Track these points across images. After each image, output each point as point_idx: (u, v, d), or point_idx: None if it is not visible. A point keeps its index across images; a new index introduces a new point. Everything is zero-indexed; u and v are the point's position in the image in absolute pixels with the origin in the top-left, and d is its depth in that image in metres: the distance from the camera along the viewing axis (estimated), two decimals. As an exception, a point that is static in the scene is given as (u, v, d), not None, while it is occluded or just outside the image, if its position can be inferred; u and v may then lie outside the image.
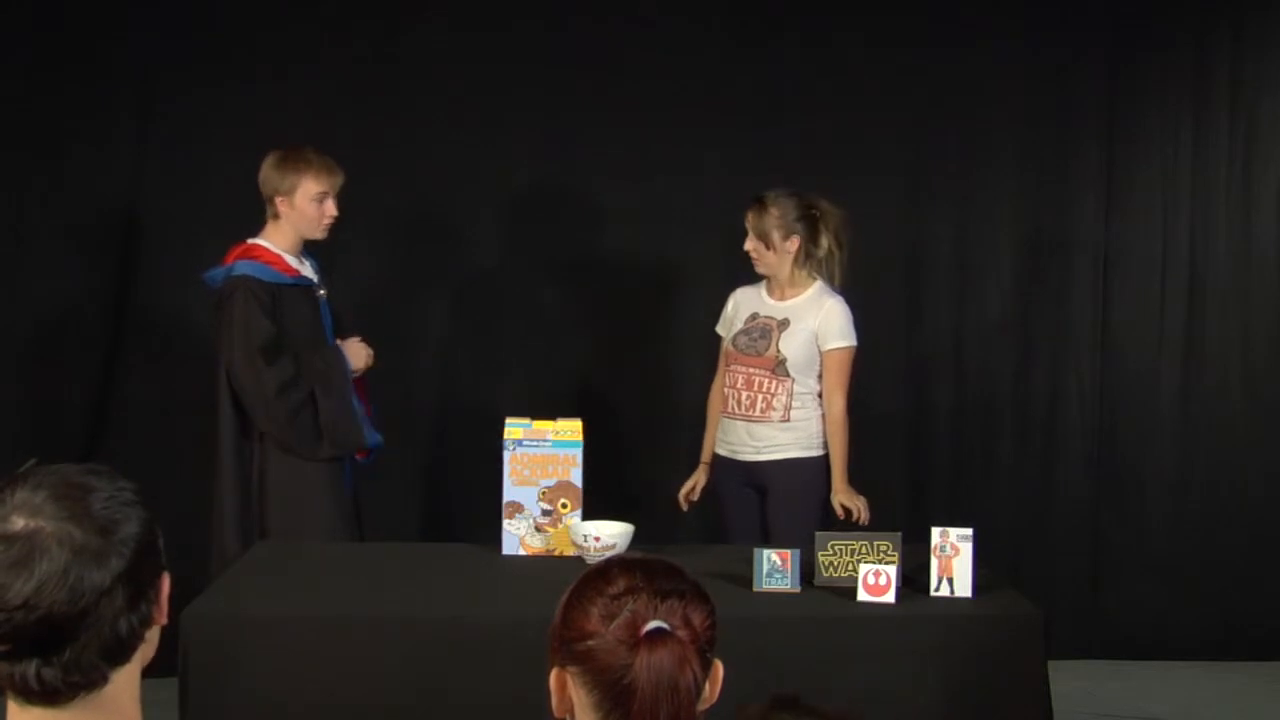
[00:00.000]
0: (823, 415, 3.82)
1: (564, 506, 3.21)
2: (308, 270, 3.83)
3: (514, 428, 3.24)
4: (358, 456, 3.83)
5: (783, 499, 3.80)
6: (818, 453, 3.82)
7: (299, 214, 3.72)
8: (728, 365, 3.93)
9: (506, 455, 3.21)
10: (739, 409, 3.85)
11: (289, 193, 3.70)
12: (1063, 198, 4.94)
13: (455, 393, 4.77)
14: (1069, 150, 4.93)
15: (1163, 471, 4.95)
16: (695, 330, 4.89)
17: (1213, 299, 4.95)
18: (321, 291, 3.86)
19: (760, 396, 3.81)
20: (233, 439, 3.68)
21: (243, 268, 3.67)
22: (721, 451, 3.93)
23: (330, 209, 3.74)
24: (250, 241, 3.75)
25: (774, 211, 3.80)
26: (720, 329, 4.01)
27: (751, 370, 3.83)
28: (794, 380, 3.79)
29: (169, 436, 4.60)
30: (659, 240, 4.87)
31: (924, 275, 4.93)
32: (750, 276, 3.96)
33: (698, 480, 4.01)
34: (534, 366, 4.84)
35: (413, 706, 2.66)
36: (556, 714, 1.58)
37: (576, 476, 3.22)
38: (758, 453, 3.83)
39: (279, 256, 3.73)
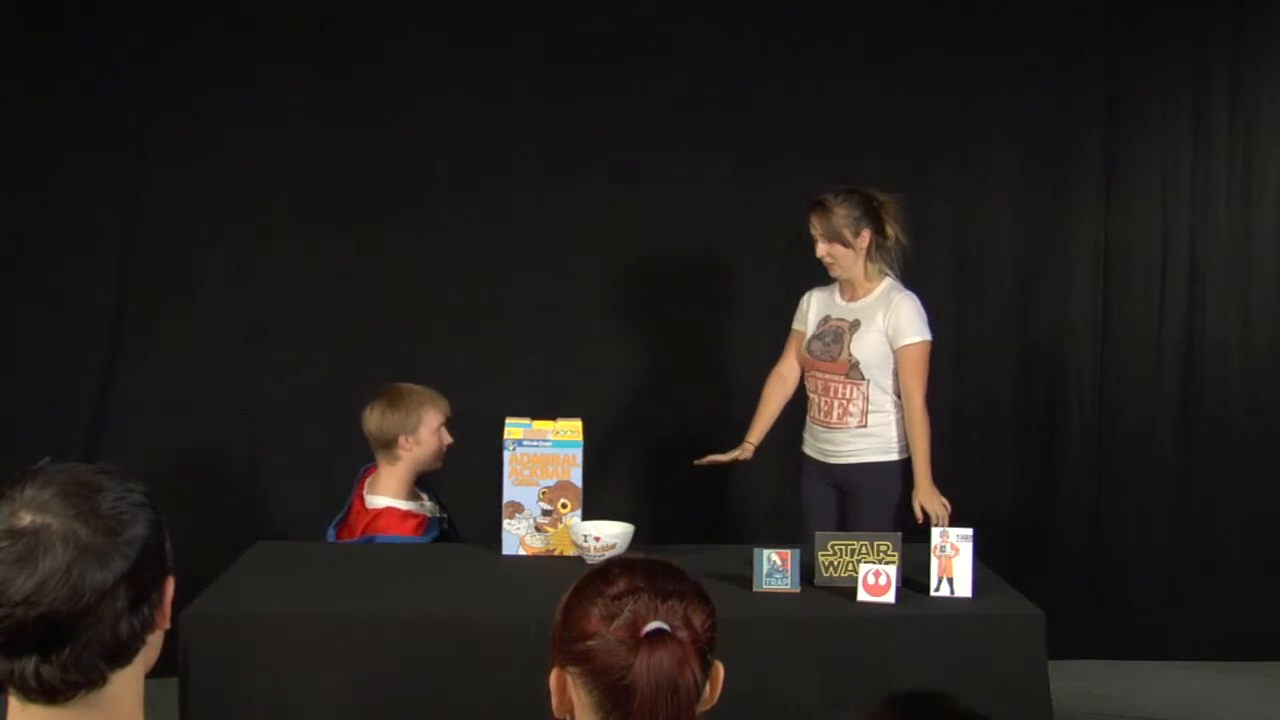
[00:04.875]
0: (902, 418, 3.77)
1: (564, 506, 3.21)
2: (428, 508, 3.66)
3: (514, 428, 3.24)
4: None
5: (860, 502, 3.78)
6: (896, 456, 3.78)
7: (423, 448, 3.60)
8: (807, 371, 3.90)
9: (506, 455, 3.21)
10: (819, 415, 3.85)
11: (414, 430, 3.59)
12: (1063, 197, 4.94)
13: (455, 393, 4.77)
14: (1069, 150, 4.93)
15: (1163, 471, 4.95)
16: (695, 329, 4.91)
17: (1213, 299, 4.95)
18: (444, 523, 3.70)
19: (836, 403, 3.79)
20: None
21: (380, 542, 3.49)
22: (809, 451, 3.92)
23: (447, 436, 3.67)
24: (372, 505, 3.56)
25: (839, 210, 3.76)
26: (797, 324, 3.97)
27: (828, 376, 3.81)
28: (870, 382, 3.75)
29: (169, 436, 4.61)
30: (658, 240, 4.86)
31: (924, 275, 4.91)
32: (793, 283, 3.96)
33: (732, 455, 3.89)
34: (534, 366, 4.84)
35: (413, 706, 2.66)
36: (556, 714, 1.58)
37: (576, 476, 3.22)
38: (839, 456, 3.82)
39: (407, 514, 3.57)
